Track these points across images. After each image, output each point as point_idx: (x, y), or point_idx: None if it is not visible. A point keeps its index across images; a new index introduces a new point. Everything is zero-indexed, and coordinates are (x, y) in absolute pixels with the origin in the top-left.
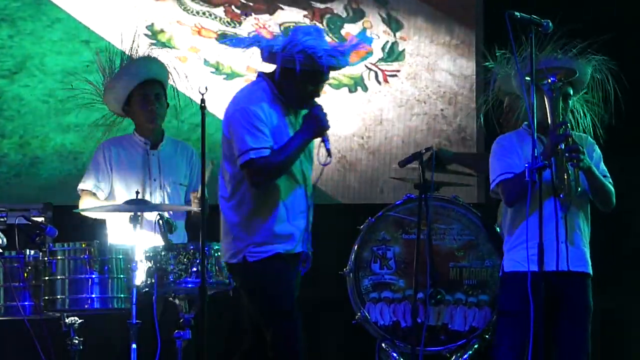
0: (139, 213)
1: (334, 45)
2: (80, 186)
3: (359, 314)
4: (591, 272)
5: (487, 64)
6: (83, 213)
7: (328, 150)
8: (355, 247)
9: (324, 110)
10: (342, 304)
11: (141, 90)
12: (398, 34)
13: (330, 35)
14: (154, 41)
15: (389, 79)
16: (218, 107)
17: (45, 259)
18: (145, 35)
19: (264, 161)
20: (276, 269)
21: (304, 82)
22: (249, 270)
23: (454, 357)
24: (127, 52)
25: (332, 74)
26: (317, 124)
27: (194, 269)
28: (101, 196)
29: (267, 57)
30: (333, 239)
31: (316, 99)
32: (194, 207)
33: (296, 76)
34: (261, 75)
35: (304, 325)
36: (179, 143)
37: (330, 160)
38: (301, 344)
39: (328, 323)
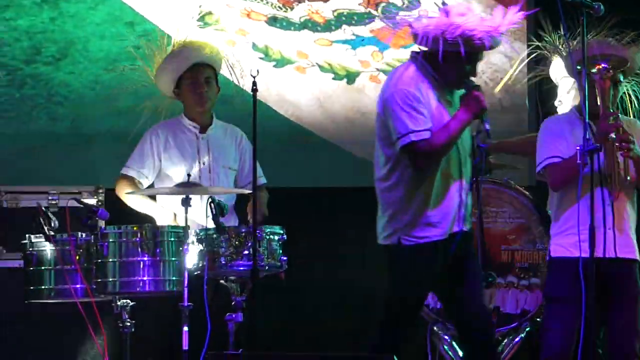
0: (190, 196)
1: (489, 24)
2: (123, 170)
3: None
4: (639, 258)
5: (538, 45)
6: (126, 202)
7: (487, 131)
8: None
9: (481, 90)
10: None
11: (191, 73)
12: None
13: (385, 20)
14: (201, 23)
15: None
16: (268, 95)
17: (97, 241)
18: (192, 17)
19: (425, 144)
20: (426, 259)
21: (463, 63)
22: (402, 253)
23: (505, 340)
24: (173, 35)
25: (385, 57)
26: (477, 105)
27: (246, 252)
28: (145, 183)
29: (425, 40)
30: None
31: (472, 78)
32: (246, 190)
33: (460, 58)
34: (415, 55)
35: (351, 308)
36: (228, 127)
37: (490, 142)
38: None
39: (372, 302)
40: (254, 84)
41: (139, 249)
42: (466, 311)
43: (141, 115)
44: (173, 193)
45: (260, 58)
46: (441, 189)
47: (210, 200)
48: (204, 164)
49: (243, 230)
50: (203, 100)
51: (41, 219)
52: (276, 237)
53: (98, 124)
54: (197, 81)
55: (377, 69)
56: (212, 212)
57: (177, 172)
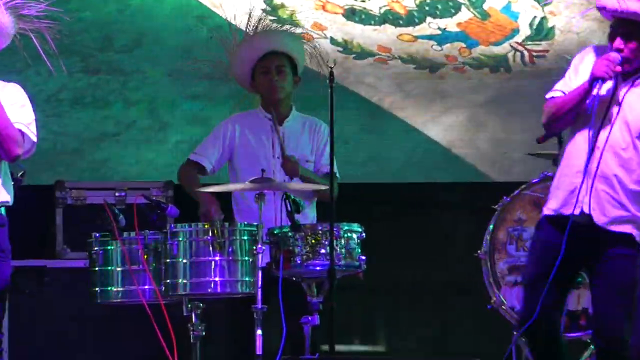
0: (264, 192)
1: None
2: (190, 156)
3: (494, 298)
4: None
5: None
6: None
7: None
8: (490, 227)
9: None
10: (475, 288)
11: (262, 62)
12: (547, 9)
13: (472, 9)
14: (273, 17)
15: (535, 59)
16: (351, 86)
17: (166, 240)
18: (263, 10)
19: None
20: (537, 234)
21: None
22: None
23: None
24: (244, 29)
25: (473, 53)
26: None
27: (323, 251)
28: (210, 170)
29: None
30: (465, 218)
31: None
32: (322, 186)
33: None
34: None
35: (435, 309)
36: (307, 119)
37: None
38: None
39: (461, 307)
40: (331, 74)
41: (211, 248)
42: None
43: (223, 100)
44: (247, 189)
45: (339, 51)
46: (565, 164)
47: (285, 196)
48: (278, 157)
49: (320, 228)
50: (274, 89)
51: (108, 217)
52: (354, 235)
53: (174, 108)
54: (267, 70)
55: (464, 63)
56: (287, 209)
57: (251, 166)
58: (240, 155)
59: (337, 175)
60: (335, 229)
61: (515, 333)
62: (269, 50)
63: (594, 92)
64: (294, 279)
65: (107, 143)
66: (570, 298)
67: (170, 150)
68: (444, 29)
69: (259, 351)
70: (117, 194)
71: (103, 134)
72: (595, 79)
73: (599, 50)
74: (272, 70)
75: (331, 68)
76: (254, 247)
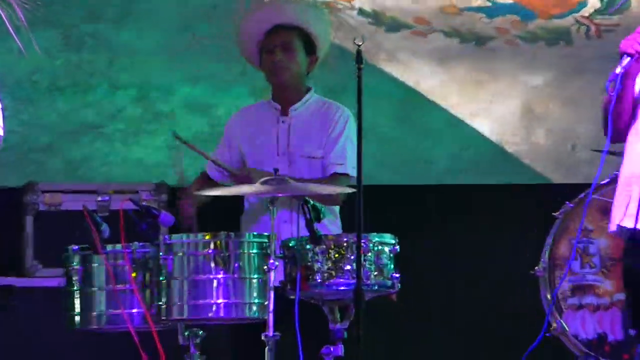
0: (277, 196)
1: None
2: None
3: (554, 324)
4: None
5: None
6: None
7: None
8: (550, 239)
9: None
10: (532, 312)
11: (267, 39)
12: None
13: None
14: None
15: (603, 33)
16: (381, 64)
17: (159, 254)
18: None
19: None
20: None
21: None
22: None
23: None
24: None
25: (529, 27)
26: None
27: (348, 267)
28: (219, 179)
29: None
30: (519, 228)
31: None
32: (348, 189)
33: None
34: None
35: (481, 338)
36: (324, 105)
37: None
38: None
39: (514, 334)
40: (359, 54)
41: (213, 264)
42: None
43: (230, 82)
44: (255, 193)
45: (370, 23)
46: None
47: (303, 201)
48: (282, 154)
49: (345, 239)
50: (275, 69)
51: (88, 226)
52: (386, 249)
53: (170, 94)
54: (271, 48)
55: (517, 36)
56: (305, 216)
57: (257, 166)
58: (247, 156)
59: (348, 172)
60: (363, 241)
61: None
62: (276, 23)
63: (617, 69)
64: (313, 301)
65: (89, 136)
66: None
67: (165, 146)
68: (495, 0)
69: None
70: (99, 199)
71: (83, 125)
72: (622, 55)
73: None
74: (275, 48)
75: (359, 46)
76: (265, 263)
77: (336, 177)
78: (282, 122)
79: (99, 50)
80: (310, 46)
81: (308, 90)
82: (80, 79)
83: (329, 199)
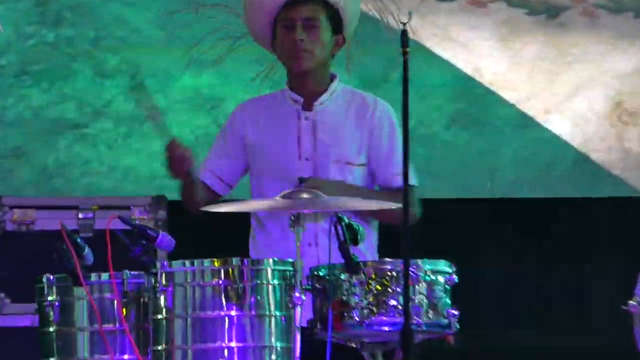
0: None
1: None
2: (196, 172)
3: None
4: None
5: None
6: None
7: None
8: None
9: None
10: (624, 355)
11: (285, 13)
12: None
13: None
14: None
15: None
16: (431, 44)
17: (156, 285)
18: None
19: None
20: None
21: None
22: None
23: None
24: None
25: None
26: None
27: (393, 302)
28: (219, 189)
29: None
30: (607, 251)
31: None
32: (392, 204)
33: None
34: None
35: None
36: (355, 96)
37: None
38: None
39: None
40: (404, 35)
41: (223, 298)
42: None
43: (241, 72)
44: (273, 208)
45: None
46: None
47: (336, 219)
48: (306, 159)
49: (389, 267)
50: (298, 53)
51: (67, 250)
52: (441, 279)
53: (170, 83)
54: (291, 24)
55: (596, 5)
56: (339, 238)
57: (273, 173)
58: (257, 159)
59: (415, 183)
60: (412, 269)
61: None
62: None
63: None
64: (349, 344)
65: (67, 138)
66: None
67: (163, 151)
68: None
69: None
70: (81, 216)
71: (60, 123)
72: None
73: None
74: (296, 24)
75: (404, 24)
76: (290, 297)
77: (410, 191)
78: (305, 118)
79: (81, 26)
80: (336, 23)
81: (332, 78)
82: (57, 64)
83: (389, 216)
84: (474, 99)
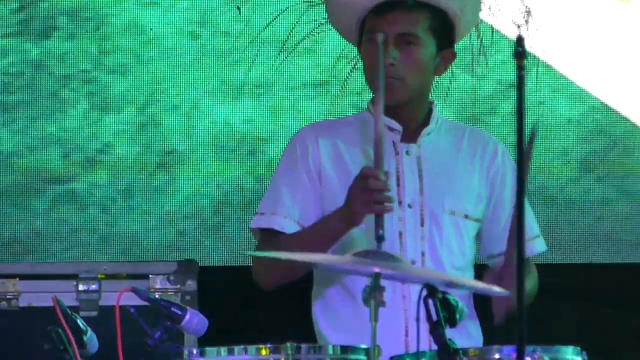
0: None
1: None
2: (255, 222)
3: None
4: None
5: None
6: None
7: None
8: None
9: None
10: None
11: (374, 20)
12: None
13: None
14: None
15: None
16: (552, 58)
17: None
18: None
19: None
20: None
21: None
22: None
23: None
24: None
25: None
26: None
27: None
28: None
29: None
30: None
31: None
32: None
33: None
34: None
35: None
36: (460, 130)
37: None
38: None
39: None
40: (520, 44)
41: None
42: None
43: (299, 93)
44: (346, 270)
45: None
46: None
47: (427, 291)
48: (409, 206)
49: (496, 356)
50: (387, 79)
51: (63, 333)
52: None
53: (195, 114)
54: (375, 40)
55: None
56: (432, 317)
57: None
58: (329, 198)
59: (541, 246)
60: (528, 359)
61: None
62: None
63: None
64: None
65: (46, 197)
66: None
67: (191, 195)
68: None
69: None
70: (82, 288)
71: (39, 177)
72: None
73: None
74: (387, 39)
75: (519, 27)
76: None
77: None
78: (407, 152)
79: (80, 36)
80: (444, 34)
81: (429, 105)
82: (40, 92)
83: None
84: (615, 138)
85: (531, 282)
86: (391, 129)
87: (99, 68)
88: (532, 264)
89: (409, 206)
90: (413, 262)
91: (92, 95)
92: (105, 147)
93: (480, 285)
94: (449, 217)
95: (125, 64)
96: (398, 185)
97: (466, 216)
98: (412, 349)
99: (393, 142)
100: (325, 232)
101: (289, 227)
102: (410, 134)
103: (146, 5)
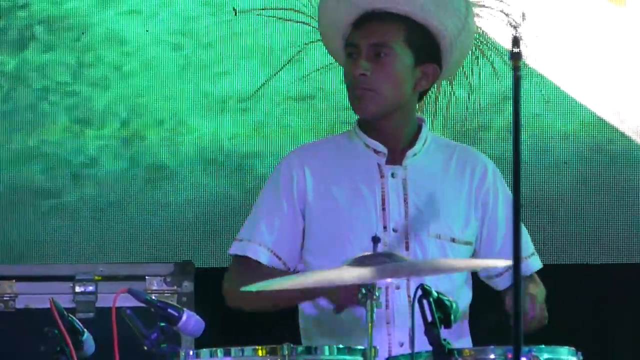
0: (381, 282)
1: None
2: (232, 249)
3: None
4: None
5: None
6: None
7: None
8: None
9: None
10: None
11: (352, 36)
12: None
13: None
14: None
15: None
16: (550, 71)
17: None
18: None
19: None
20: None
21: None
22: None
23: None
24: None
25: None
26: None
27: None
28: (278, 265)
29: None
30: None
31: None
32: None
33: None
34: None
35: None
36: (451, 148)
37: None
38: None
39: None
40: (515, 44)
41: None
42: None
43: (291, 107)
44: (347, 279)
45: None
46: None
47: (422, 292)
48: (394, 230)
49: (492, 356)
50: (357, 91)
51: (60, 335)
52: None
53: (182, 130)
54: (356, 51)
55: None
56: (426, 317)
57: (345, 247)
58: (321, 230)
59: (537, 264)
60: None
61: None
62: (370, 9)
63: None
64: None
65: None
66: None
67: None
68: None
69: None
70: (78, 289)
71: (29, 190)
72: None
73: None
74: (361, 51)
75: (515, 29)
76: None
77: (534, 276)
78: (392, 175)
79: (59, 48)
80: (424, 47)
81: (420, 122)
82: (18, 105)
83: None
84: (612, 155)
85: (542, 294)
86: (376, 152)
87: (79, 80)
88: (534, 274)
89: (394, 230)
90: (397, 288)
91: (71, 110)
92: (87, 163)
93: (477, 262)
94: (434, 241)
95: (106, 77)
96: (383, 209)
97: (453, 240)
98: (405, 345)
99: (378, 164)
100: (304, 294)
101: (263, 255)
102: (397, 155)
103: (126, 14)
